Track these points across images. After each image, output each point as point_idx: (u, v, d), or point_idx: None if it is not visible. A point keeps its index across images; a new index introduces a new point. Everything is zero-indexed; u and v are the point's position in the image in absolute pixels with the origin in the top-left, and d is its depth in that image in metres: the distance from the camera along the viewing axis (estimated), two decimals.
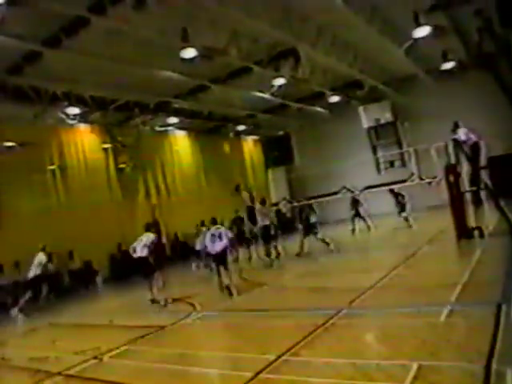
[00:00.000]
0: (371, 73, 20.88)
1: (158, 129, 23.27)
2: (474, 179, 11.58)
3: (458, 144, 12.06)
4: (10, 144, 16.33)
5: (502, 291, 6.03)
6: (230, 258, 10.91)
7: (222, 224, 12.13)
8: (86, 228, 17.00)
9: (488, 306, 5.45)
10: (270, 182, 31.12)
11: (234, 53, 15.04)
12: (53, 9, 10.51)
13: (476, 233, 11.27)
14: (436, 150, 14.58)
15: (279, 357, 4.93)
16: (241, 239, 15.55)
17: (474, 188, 11.75)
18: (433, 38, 16.52)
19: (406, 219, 17.37)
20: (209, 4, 11.69)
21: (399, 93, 24.16)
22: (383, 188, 18.77)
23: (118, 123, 21.02)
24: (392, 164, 26.39)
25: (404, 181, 20.46)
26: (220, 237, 10.13)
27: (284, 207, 16.88)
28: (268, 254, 14.31)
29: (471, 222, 11.59)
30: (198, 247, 15.04)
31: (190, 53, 14.01)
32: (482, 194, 11.87)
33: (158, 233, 17.87)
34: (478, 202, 12.02)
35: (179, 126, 24.06)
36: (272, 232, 14.24)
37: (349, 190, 18.84)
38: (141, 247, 10.38)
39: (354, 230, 18.04)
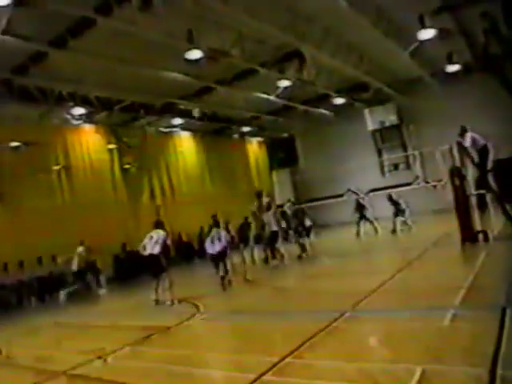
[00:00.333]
0: (376, 75, 20.87)
1: (162, 130, 23.35)
2: (480, 182, 11.51)
3: (461, 147, 12.01)
4: (15, 144, 16.42)
5: (507, 295, 5.99)
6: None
7: (228, 224, 12.42)
8: (91, 228, 17.02)
9: (492, 310, 5.42)
10: (275, 184, 31.11)
11: (239, 54, 15.06)
12: (59, 10, 10.57)
13: (481, 236, 11.23)
14: (441, 153, 14.55)
15: (283, 359, 4.92)
16: (245, 243, 15.55)
17: (480, 191, 11.69)
18: (438, 41, 16.54)
19: (405, 223, 17.39)
20: (214, 5, 11.73)
21: (404, 95, 24.12)
22: (387, 191, 18.74)
23: (124, 124, 21.10)
24: (396, 167, 26.40)
25: (409, 184, 20.50)
26: (219, 238, 10.94)
27: (289, 209, 16.86)
28: (270, 257, 14.37)
29: (476, 225, 11.55)
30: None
31: (195, 54, 14.08)
32: (488, 197, 11.81)
33: None
34: (483, 206, 11.95)
35: (184, 127, 24.11)
36: (279, 236, 14.10)
37: (354, 192, 18.83)
38: (151, 244, 10.21)
39: (358, 233, 17.99)
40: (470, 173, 11.81)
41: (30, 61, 13.51)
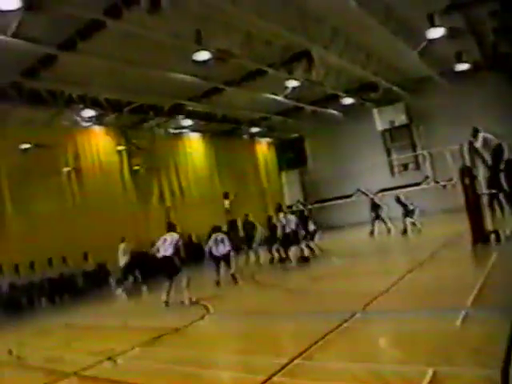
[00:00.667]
0: (385, 75, 20.79)
1: (172, 131, 23.41)
2: (492, 182, 11.38)
3: (472, 147, 11.90)
4: (26, 146, 16.55)
5: None
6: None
7: (236, 223, 12.97)
8: (101, 230, 17.09)
9: (504, 311, 5.36)
10: (284, 185, 31.09)
11: (248, 55, 15.07)
12: (69, 13, 10.65)
13: (492, 237, 11.12)
14: (451, 153, 14.46)
15: (292, 360, 4.90)
16: (249, 244, 15.60)
17: (492, 191, 11.57)
18: (447, 39, 16.43)
19: (414, 224, 17.31)
20: (222, 6, 11.74)
21: (413, 95, 24.01)
22: (396, 192, 18.66)
23: (133, 125, 21.19)
24: (406, 167, 26.26)
25: (418, 184, 20.40)
26: (222, 241, 11.96)
27: (298, 210, 16.93)
28: (277, 259, 14.44)
29: (488, 225, 11.44)
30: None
31: (203, 55, 14.14)
32: (501, 196, 11.68)
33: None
34: (498, 205, 11.79)
35: (193, 129, 24.17)
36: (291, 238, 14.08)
37: (363, 192, 18.80)
38: (165, 246, 10.26)
39: (372, 232, 17.94)
40: (481, 172, 11.71)
41: (39, 64, 13.60)
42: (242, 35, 14.21)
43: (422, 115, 24.93)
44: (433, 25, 15.16)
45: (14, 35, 10.85)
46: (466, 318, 5.45)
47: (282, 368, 4.72)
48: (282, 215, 14.23)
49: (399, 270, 9.80)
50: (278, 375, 4.57)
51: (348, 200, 22.33)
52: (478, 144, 11.60)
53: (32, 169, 16.38)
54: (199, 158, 25.09)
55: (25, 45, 11.50)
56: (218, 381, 5.12)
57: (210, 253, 12.16)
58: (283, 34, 14.07)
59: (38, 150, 16.64)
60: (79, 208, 18.02)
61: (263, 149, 30.42)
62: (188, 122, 22.81)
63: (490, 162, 11.39)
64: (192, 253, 21.35)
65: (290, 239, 13.65)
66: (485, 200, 11.74)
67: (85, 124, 18.97)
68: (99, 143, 19.92)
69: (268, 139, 30.71)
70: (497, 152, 11.24)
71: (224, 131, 26.30)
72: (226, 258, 11.96)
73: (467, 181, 11.55)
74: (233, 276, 11.90)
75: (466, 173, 11.66)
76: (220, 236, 12.09)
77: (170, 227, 11.02)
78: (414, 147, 26.05)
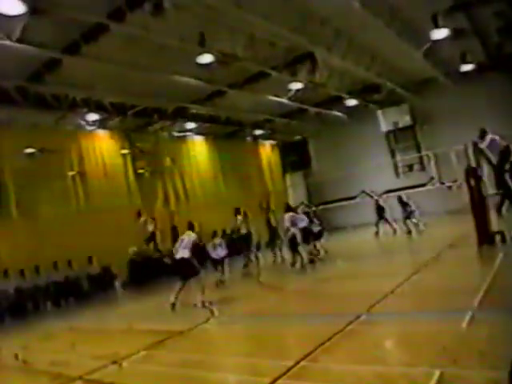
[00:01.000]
0: (389, 76, 20.74)
1: (176, 134, 23.42)
2: (498, 183, 11.30)
3: (477, 148, 11.86)
4: (30, 150, 16.61)
5: None
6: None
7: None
8: (106, 233, 17.12)
9: (510, 313, 5.33)
10: (288, 187, 31.04)
11: (251, 58, 15.07)
12: (73, 17, 10.69)
13: (498, 238, 11.06)
14: (456, 154, 14.41)
15: (297, 362, 4.88)
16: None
17: (498, 192, 11.51)
18: (451, 40, 16.39)
19: (416, 225, 17.34)
20: (226, 9, 11.75)
21: (418, 96, 23.94)
22: (400, 192, 18.64)
23: (137, 129, 21.22)
24: (411, 168, 26.18)
25: (423, 185, 20.35)
26: (221, 245, 12.96)
27: (302, 212, 16.83)
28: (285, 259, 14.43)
29: (493, 226, 11.39)
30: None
31: (206, 58, 14.17)
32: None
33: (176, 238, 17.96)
34: (501, 206, 11.73)
35: (197, 132, 24.20)
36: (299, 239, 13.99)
37: (368, 194, 18.79)
38: (182, 248, 10.23)
39: (377, 233, 17.96)
40: (486, 173, 11.66)
41: (44, 68, 13.65)
42: (245, 38, 14.21)
43: (426, 116, 24.85)
44: (437, 26, 15.12)
45: (19, 40, 10.87)
46: (473, 319, 5.42)
47: (288, 370, 4.70)
48: (289, 215, 14.01)
49: (405, 272, 9.76)
50: (284, 378, 4.56)
51: (352, 202, 22.30)
52: (483, 145, 11.55)
53: (37, 173, 16.41)
54: (203, 160, 25.07)
55: (29, 49, 11.53)
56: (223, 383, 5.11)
57: (209, 256, 13.03)
58: (286, 35, 14.06)
59: (43, 154, 16.69)
60: (84, 211, 18.04)
61: (267, 151, 30.39)
62: (192, 125, 22.84)
63: (494, 162, 11.34)
64: (197, 255, 21.44)
65: (295, 241, 13.55)
66: (490, 201, 11.69)
67: (89, 128, 19.02)
68: (103, 147, 19.95)
69: (272, 141, 30.68)
70: (504, 154, 11.18)
71: (228, 134, 26.30)
72: (222, 261, 12.88)
73: (472, 181, 11.51)
74: (221, 280, 12.70)
75: (471, 173, 11.62)
76: (218, 240, 13.10)
77: (189, 227, 10.95)
78: (418, 148, 25.96)
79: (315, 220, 15.56)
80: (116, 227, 17.78)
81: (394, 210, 18.54)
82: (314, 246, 14.81)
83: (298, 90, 19.85)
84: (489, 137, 11.53)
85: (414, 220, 17.38)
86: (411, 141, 26.30)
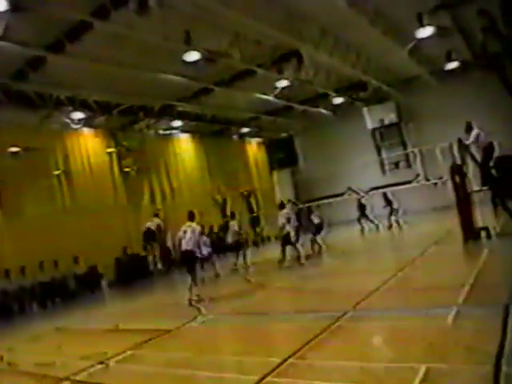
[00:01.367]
0: (375, 74, 20.85)
1: (162, 132, 23.29)
2: (485, 179, 11.42)
3: (462, 144, 11.98)
4: (15, 149, 16.40)
5: (510, 292, 5.96)
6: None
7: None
8: (92, 232, 17.00)
9: (496, 308, 5.39)
10: (275, 184, 31.05)
11: (237, 55, 15.05)
12: (56, 14, 10.59)
13: (483, 234, 11.19)
14: (441, 151, 14.54)
15: (285, 360, 4.89)
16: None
17: (482, 188, 11.64)
18: (436, 38, 16.52)
19: (397, 222, 17.69)
20: (211, 6, 11.71)
21: (403, 93, 24.12)
22: (386, 189, 18.85)
23: (123, 127, 21.07)
24: (397, 165, 26.36)
25: (409, 182, 20.54)
26: (205, 244, 13.34)
27: (291, 210, 16.84)
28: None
29: (478, 222, 11.52)
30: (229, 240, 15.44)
31: (192, 56, 14.09)
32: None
33: (164, 238, 18.00)
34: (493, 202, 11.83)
35: (183, 130, 24.09)
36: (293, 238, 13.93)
37: (354, 191, 18.98)
38: (186, 240, 10.12)
39: (362, 230, 18.19)
40: (471, 170, 11.78)
41: (28, 66, 13.48)
42: (231, 35, 14.20)
43: (411, 113, 25.06)
44: (422, 24, 15.25)
45: (1, 38, 10.73)
46: (458, 315, 5.47)
47: (276, 368, 4.71)
48: (284, 212, 13.97)
49: (390, 268, 9.84)
50: (272, 375, 4.57)
51: (339, 199, 22.39)
52: (469, 141, 11.67)
53: (21, 172, 16.20)
54: (189, 158, 24.95)
55: (12, 47, 11.39)
56: (211, 382, 5.09)
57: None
58: (272, 33, 14.07)
59: (28, 154, 16.48)
60: (69, 211, 17.84)
61: (254, 149, 30.35)
62: (178, 123, 22.74)
63: (479, 159, 11.46)
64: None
65: (289, 239, 13.52)
66: (475, 197, 11.82)
67: (74, 126, 18.80)
68: (89, 145, 19.75)
69: (258, 139, 30.65)
70: (488, 150, 11.31)
71: (214, 132, 26.22)
72: (207, 259, 13.46)
73: (457, 178, 11.63)
74: (202, 279, 12.46)
75: (457, 170, 11.74)
76: (203, 238, 13.20)
77: (190, 217, 10.66)
78: (404, 145, 26.14)
79: (313, 216, 15.60)
80: (102, 226, 17.69)
81: (378, 207, 18.75)
82: (314, 241, 14.84)
83: (284, 88, 19.88)
84: (474, 131, 11.65)
85: (396, 217, 17.67)
86: (397, 138, 26.48)
